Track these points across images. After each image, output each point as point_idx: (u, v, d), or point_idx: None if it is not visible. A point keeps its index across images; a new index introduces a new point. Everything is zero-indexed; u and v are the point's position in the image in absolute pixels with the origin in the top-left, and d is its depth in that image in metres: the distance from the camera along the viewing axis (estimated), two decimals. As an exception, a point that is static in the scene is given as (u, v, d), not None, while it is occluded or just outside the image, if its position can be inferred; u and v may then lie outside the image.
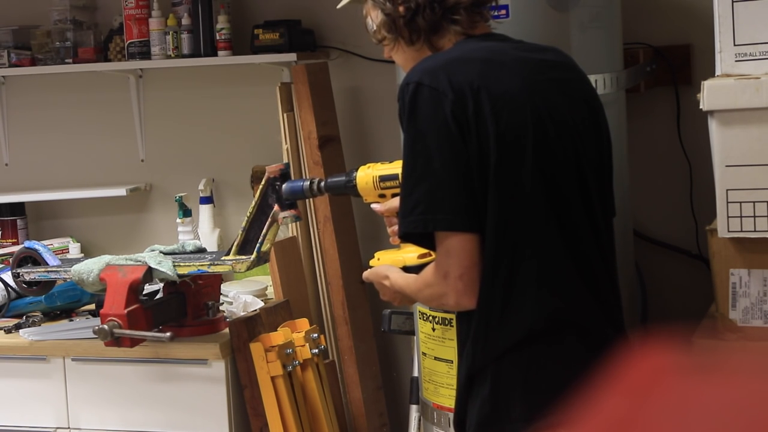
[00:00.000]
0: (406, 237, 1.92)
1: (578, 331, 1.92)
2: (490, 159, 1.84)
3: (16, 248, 3.31)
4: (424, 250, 2.14)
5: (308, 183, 2.43)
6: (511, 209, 1.86)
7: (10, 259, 3.12)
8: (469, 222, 1.84)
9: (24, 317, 3.15)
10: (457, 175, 1.83)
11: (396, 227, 2.17)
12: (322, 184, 2.38)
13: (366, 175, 2.24)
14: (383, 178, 2.23)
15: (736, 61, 2.22)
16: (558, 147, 1.91)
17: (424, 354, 2.61)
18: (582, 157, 1.96)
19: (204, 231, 3.59)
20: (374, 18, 2.06)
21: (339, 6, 2.24)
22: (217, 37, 3.44)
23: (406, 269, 2.12)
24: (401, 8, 1.98)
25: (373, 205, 2.22)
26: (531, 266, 1.88)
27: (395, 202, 2.16)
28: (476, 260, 1.85)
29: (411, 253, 2.13)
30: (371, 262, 2.19)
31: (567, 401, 1.79)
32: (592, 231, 1.96)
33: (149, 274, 2.75)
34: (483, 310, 1.89)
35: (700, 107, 2.18)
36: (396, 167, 2.21)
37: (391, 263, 2.14)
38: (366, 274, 2.17)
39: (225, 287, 3.20)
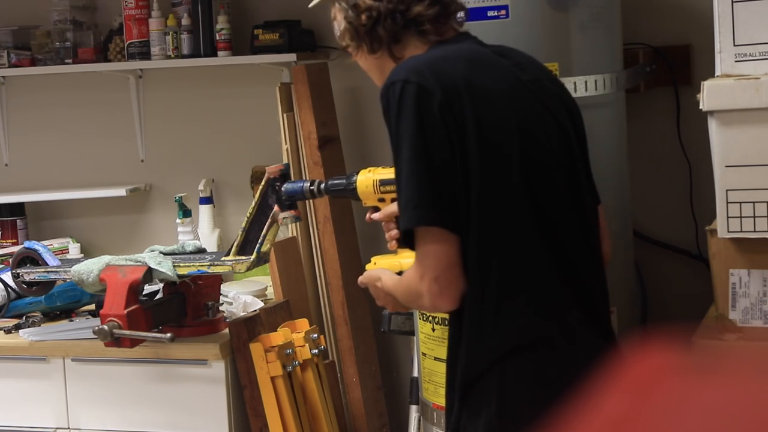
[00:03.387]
0: (406, 235, 1.89)
1: (568, 338, 1.92)
2: (475, 159, 1.83)
3: (15, 248, 3.31)
4: None
5: (308, 184, 2.43)
6: (495, 212, 1.85)
7: (10, 260, 3.12)
8: (451, 221, 1.83)
9: (24, 317, 3.15)
10: (441, 174, 1.82)
11: (394, 232, 2.16)
12: (322, 186, 2.38)
13: (366, 178, 2.25)
14: (383, 182, 2.23)
15: (736, 61, 2.22)
16: (545, 147, 1.92)
17: (424, 354, 2.61)
18: (569, 154, 1.96)
19: (204, 231, 3.59)
20: (339, 23, 2.09)
21: (311, 5, 2.27)
22: (217, 38, 3.44)
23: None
24: (363, 17, 2.01)
25: (372, 215, 2.22)
26: (518, 270, 1.88)
27: (393, 207, 2.16)
28: (453, 262, 1.84)
29: (408, 258, 2.13)
30: (367, 266, 2.19)
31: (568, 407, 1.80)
32: (582, 230, 1.96)
33: (149, 274, 2.75)
34: (474, 315, 1.88)
35: (700, 107, 2.18)
36: None
37: (387, 267, 2.14)
38: (361, 278, 2.17)
39: (225, 287, 3.20)
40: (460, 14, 2.08)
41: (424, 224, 1.83)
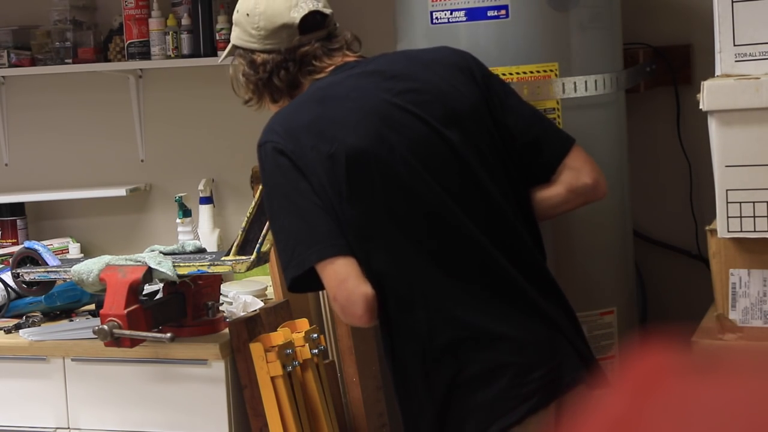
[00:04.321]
0: (295, 285, 2.00)
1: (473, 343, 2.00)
2: (336, 193, 1.94)
3: (15, 248, 3.31)
4: None
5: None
6: (370, 233, 1.95)
7: (10, 260, 3.12)
8: (331, 249, 1.94)
9: (24, 317, 3.15)
10: (311, 213, 1.94)
11: None
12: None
13: None
14: None
15: (736, 61, 2.22)
16: (420, 158, 1.98)
17: (424, 354, 2.61)
18: (455, 157, 2.00)
19: (204, 231, 3.59)
20: (240, 79, 2.20)
21: (220, 61, 2.38)
22: (217, 37, 3.44)
23: None
24: (260, 71, 2.13)
25: None
26: (403, 283, 1.97)
27: None
28: (343, 277, 1.93)
29: None
30: None
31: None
32: (483, 231, 2.00)
33: (149, 274, 2.75)
34: (384, 328, 2.02)
35: (700, 107, 2.18)
36: None
37: None
38: None
39: (225, 287, 3.20)
40: (355, 45, 2.21)
41: (308, 266, 1.95)
